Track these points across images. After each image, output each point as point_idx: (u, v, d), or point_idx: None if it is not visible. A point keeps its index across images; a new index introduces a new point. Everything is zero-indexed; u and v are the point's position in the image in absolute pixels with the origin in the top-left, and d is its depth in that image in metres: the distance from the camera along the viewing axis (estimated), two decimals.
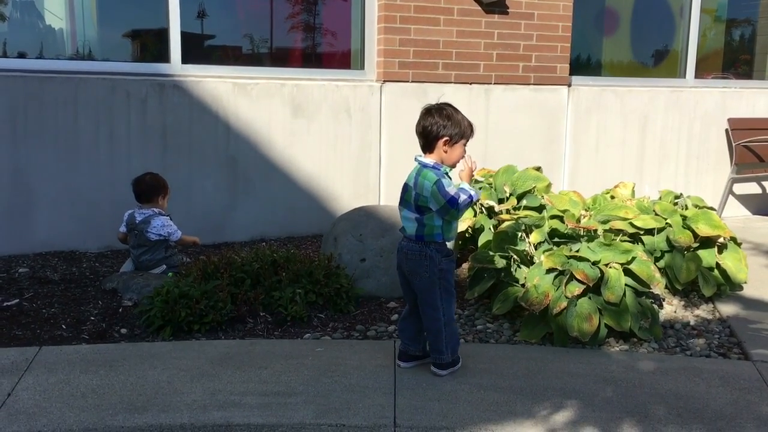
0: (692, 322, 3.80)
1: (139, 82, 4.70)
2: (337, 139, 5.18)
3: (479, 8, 5.37)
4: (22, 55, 4.65)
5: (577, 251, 3.65)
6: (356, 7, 5.37)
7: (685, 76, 6.37)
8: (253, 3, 5.32)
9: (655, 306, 3.73)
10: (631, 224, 4.11)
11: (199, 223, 4.84)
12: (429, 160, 2.93)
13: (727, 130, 6.32)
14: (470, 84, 5.45)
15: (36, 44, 4.72)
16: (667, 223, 4.20)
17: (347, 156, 5.22)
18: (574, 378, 3.05)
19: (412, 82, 5.28)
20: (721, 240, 4.19)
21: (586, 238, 3.84)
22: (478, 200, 2.87)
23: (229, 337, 3.43)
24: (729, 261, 4.19)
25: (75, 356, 3.10)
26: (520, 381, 3.00)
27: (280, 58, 5.38)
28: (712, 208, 4.51)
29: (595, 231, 3.89)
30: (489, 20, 5.42)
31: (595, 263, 3.53)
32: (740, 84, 6.59)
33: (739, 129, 6.24)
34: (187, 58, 4.90)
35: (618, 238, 3.90)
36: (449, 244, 3.10)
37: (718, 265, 4.16)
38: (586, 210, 4.29)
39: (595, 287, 3.47)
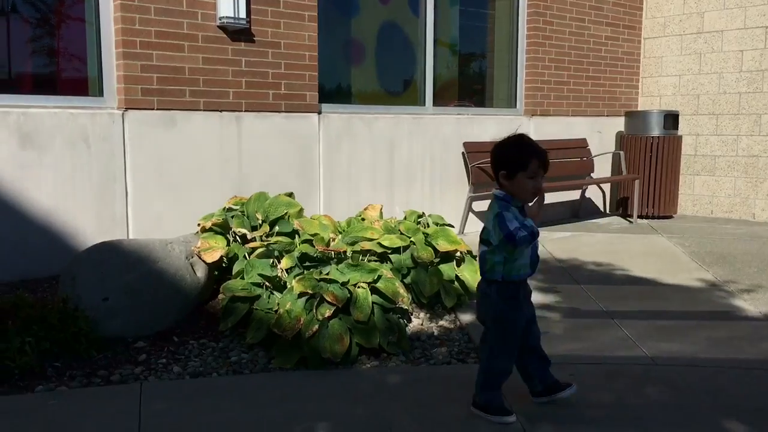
0: (436, 333, 4.05)
1: None
2: (75, 171, 4.80)
3: (225, 35, 5.33)
4: None
5: (327, 274, 3.73)
6: (92, 30, 5.05)
7: (425, 104, 6.87)
8: None
9: (402, 321, 3.93)
10: (379, 244, 4.31)
11: None
12: (501, 191, 2.77)
13: (463, 153, 6.91)
14: (220, 111, 5.38)
15: None
16: (411, 242, 4.45)
17: (88, 189, 4.85)
18: (327, 400, 3.09)
19: (158, 109, 5.08)
20: (458, 254, 4.54)
21: (336, 260, 3.95)
22: (536, 236, 2.70)
23: None
24: (467, 273, 4.55)
25: None
26: (273, 409, 2.97)
27: (5, 84, 4.87)
28: (450, 225, 4.88)
29: (345, 253, 4.02)
30: (236, 48, 5.40)
31: (344, 284, 3.64)
32: (472, 111, 7.26)
33: (473, 152, 6.85)
34: None
35: (366, 259, 4.06)
36: (516, 284, 2.82)
37: (457, 277, 4.50)
38: (337, 233, 4.41)
39: (344, 308, 3.57)
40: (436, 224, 4.81)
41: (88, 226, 4.87)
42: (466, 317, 4.29)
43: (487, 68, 7.73)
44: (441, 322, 4.24)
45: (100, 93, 5.03)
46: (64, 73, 5.15)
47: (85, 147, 4.83)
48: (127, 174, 5.00)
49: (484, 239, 2.78)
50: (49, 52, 5.08)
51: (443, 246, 4.45)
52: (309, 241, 4.02)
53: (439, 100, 7.05)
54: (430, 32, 6.80)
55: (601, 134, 8.23)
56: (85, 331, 3.52)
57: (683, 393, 3.19)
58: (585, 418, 2.93)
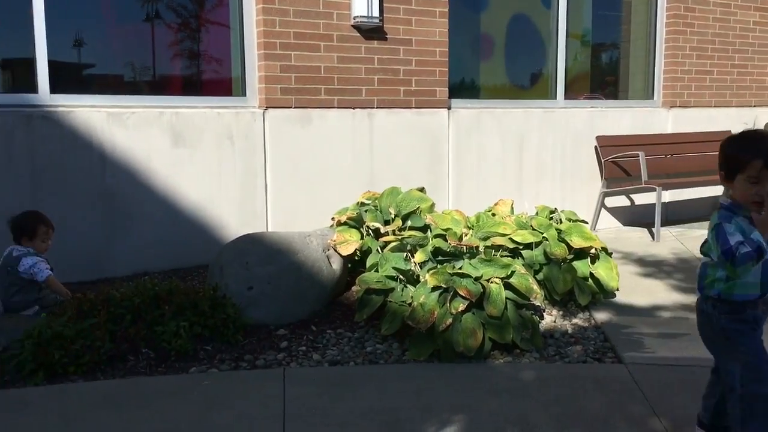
0: (570, 331, 3.98)
1: (4, 114, 4.45)
2: (221, 167, 5.10)
3: (359, 35, 5.47)
4: None
5: (460, 268, 3.76)
6: (236, 34, 5.34)
7: (556, 97, 6.73)
8: (129, 31, 5.18)
9: (536, 317, 3.89)
10: (511, 239, 4.28)
11: (76, 259, 4.61)
12: (726, 199, 2.39)
13: (596, 147, 6.71)
14: (353, 108, 5.53)
15: None
16: (543, 237, 4.39)
17: (232, 184, 5.15)
18: (461, 393, 3.12)
19: (296, 107, 5.30)
20: (593, 251, 4.43)
21: (468, 255, 3.96)
22: (766, 253, 2.25)
23: (109, 377, 3.28)
24: (601, 270, 4.43)
25: None
26: (409, 399, 3.04)
27: (158, 86, 5.25)
28: (584, 221, 4.76)
29: (477, 248, 4.03)
30: (368, 46, 5.53)
31: (477, 279, 3.65)
32: (606, 104, 7.03)
33: (606, 146, 6.64)
34: (56, 88, 4.69)
35: (498, 254, 4.05)
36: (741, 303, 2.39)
37: (591, 274, 4.39)
38: (468, 228, 4.43)
39: (478, 302, 3.58)
40: (570, 220, 4.71)
41: (233, 218, 5.16)
42: (601, 316, 4.18)
43: (622, 59, 7.45)
44: (575, 320, 4.16)
45: (243, 93, 5.31)
46: (210, 74, 5.47)
47: (229, 144, 5.12)
48: (267, 170, 5.25)
49: (704, 252, 2.44)
50: (196, 56, 5.42)
51: (577, 242, 4.35)
52: (442, 236, 4.06)
53: (571, 92, 6.89)
54: (562, 23, 6.65)
55: (747, 126, 7.72)
56: (233, 317, 3.74)
57: None
58: None
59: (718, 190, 7.56)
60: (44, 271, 3.93)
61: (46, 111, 4.58)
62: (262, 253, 4.14)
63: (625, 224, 7.03)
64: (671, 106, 7.20)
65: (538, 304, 4.18)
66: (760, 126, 7.79)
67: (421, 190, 4.98)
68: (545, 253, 4.30)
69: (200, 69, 5.45)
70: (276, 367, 3.44)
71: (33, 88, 4.65)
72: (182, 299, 3.72)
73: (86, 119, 4.67)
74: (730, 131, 7.44)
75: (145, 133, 4.84)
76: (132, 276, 4.79)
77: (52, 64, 4.68)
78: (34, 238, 3.98)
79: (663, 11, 7.15)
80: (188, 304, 3.70)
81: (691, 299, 4.48)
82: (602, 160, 6.64)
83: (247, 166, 5.19)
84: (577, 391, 3.12)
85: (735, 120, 7.58)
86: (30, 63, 4.64)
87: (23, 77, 4.71)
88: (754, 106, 7.76)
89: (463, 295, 3.53)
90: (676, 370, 3.37)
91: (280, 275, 4.05)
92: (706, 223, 7.16)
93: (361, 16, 5.35)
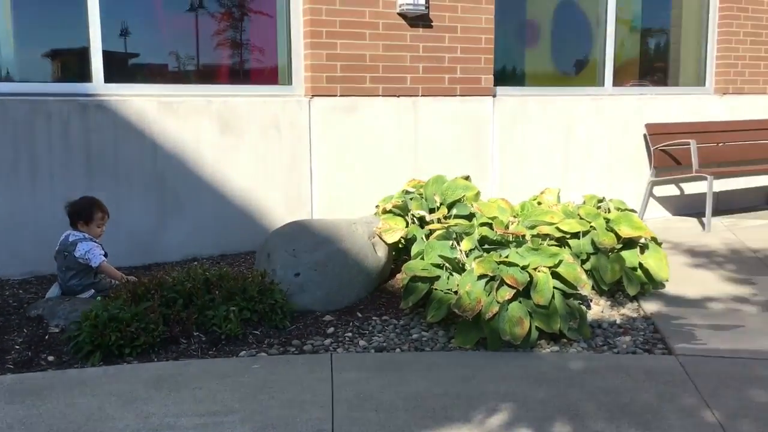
0: (618, 321, 3.94)
1: (61, 102, 4.57)
2: (267, 154, 5.16)
3: (404, 22, 5.46)
4: None
5: (507, 257, 3.74)
6: (282, 22, 5.38)
7: (603, 84, 6.62)
8: (178, 20, 5.26)
9: (583, 307, 3.85)
10: (558, 228, 4.24)
11: (128, 244, 4.73)
12: None
13: (645, 135, 6.58)
14: (398, 96, 5.53)
15: None
16: (591, 227, 4.34)
17: (278, 171, 5.20)
18: (508, 381, 3.12)
19: (341, 96, 5.32)
20: (642, 241, 4.36)
21: (514, 243, 3.94)
22: None
23: (162, 359, 3.37)
24: (651, 260, 4.36)
25: None
26: (456, 387, 3.05)
27: (206, 75, 5.33)
28: (633, 211, 4.69)
29: (523, 236, 4.00)
30: (414, 34, 5.51)
31: (524, 268, 3.63)
32: (655, 91, 6.89)
33: (656, 134, 6.51)
34: (110, 77, 4.81)
35: (545, 243, 4.02)
36: None
37: (641, 264, 4.33)
38: (514, 216, 4.40)
39: (524, 291, 3.56)
40: (618, 209, 4.64)
41: (279, 205, 5.23)
42: (651, 306, 4.13)
43: (672, 44, 7.28)
44: (623, 311, 4.11)
45: (290, 81, 5.36)
46: (257, 63, 5.53)
47: (275, 132, 5.17)
48: (312, 157, 5.29)
49: None
50: (243, 45, 5.48)
51: (626, 232, 4.29)
52: (488, 224, 4.04)
53: (619, 79, 6.77)
54: (611, 8, 6.54)
55: None
56: (280, 303, 3.80)
57: None
58: None
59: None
60: (98, 257, 4.03)
61: (100, 100, 4.69)
62: (309, 240, 4.18)
63: (674, 214, 6.90)
64: (724, 93, 7.02)
65: (585, 293, 4.15)
66: None
67: (466, 178, 4.96)
68: (593, 243, 4.25)
69: (247, 58, 5.51)
70: (323, 353, 3.49)
71: (88, 77, 4.77)
72: (231, 285, 3.79)
73: (138, 108, 4.77)
74: None
75: (194, 121, 4.92)
76: (182, 261, 4.89)
77: (106, 54, 4.79)
78: (90, 223, 4.09)
79: None
80: (237, 290, 3.77)
81: (746, 290, 4.39)
82: (651, 149, 6.52)
83: (294, 154, 5.24)
84: (626, 381, 3.09)
85: None
86: (85, 53, 4.76)
87: (78, 67, 4.83)
88: None
89: (510, 283, 3.51)
90: (730, 362, 3.31)
91: (326, 262, 4.09)
92: (758, 213, 7.00)
93: (407, 4, 5.34)
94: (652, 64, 7.29)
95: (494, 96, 5.96)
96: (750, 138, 6.94)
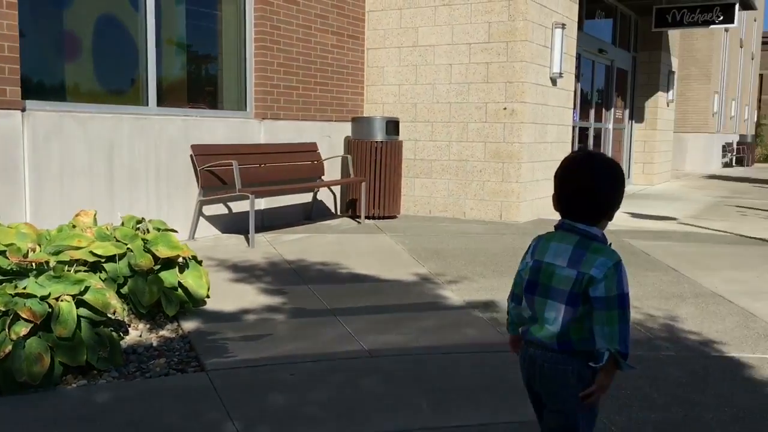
0: (155, 344, 3.85)
1: None
2: None
3: None
4: None
5: (25, 288, 3.35)
6: None
7: (148, 104, 6.53)
8: None
9: (116, 334, 3.67)
10: (92, 253, 3.98)
11: None
12: (597, 230, 2.03)
13: (191, 156, 6.70)
14: None
15: None
16: (128, 249, 4.19)
17: None
18: (21, 428, 2.76)
19: None
20: (181, 260, 4.37)
21: (36, 272, 3.56)
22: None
23: None
24: (190, 279, 4.39)
25: None
26: None
27: None
28: (173, 230, 4.67)
29: (47, 263, 3.64)
30: None
31: (43, 298, 3.29)
32: (201, 113, 7.07)
33: (201, 155, 6.67)
34: None
35: (73, 269, 3.73)
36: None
37: (180, 284, 4.32)
38: (39, 242, 3.99)
39: (45, 324, 3.23)
40: (158, 229, 4.58)
41: None
42: (190, 325, 4.15)
43: (217, 70, 7.58)
44: (162, 332, 4.04)
45: None
46: None
47: None
48: None
49: (575, 292, 2.04)
50: None
51: (164, 252, 4.25)
52: (2, 252, 3.58)
53: (166, 100, 6.76)
54: (151, 29, 6.49)
55: (330, 138, 8.53)
56: None
57: (394, 381, 3.39)
58: (303, 414, 2.98)
59: (306, 197, 8.20)
60: None
61: None
62: None
63: (224, 232, 7.16)
64: (263, 118, 7.56)
65: (121, 319, 3.97)
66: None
67: None
68: (130, 265, 4.10)
69: None
70: None
71: None
72: None
73: None
74: (315, 143, 8.14)
75: None
76: None
77: None
78: None
79: (251, 27, 7.47)
80: None
81: (276, 300, 4.72)
82: (198, 169, 6.66)
83: None
84: (154, 406, 3.01)
85: (319, 132, 8.31)
86: None
87: None
88: (335, 120, 8.61)
89: (26, 317, 3.14)
90: (256, 371, 3.48)
91: None
92: (297, 228, 7.66)
93: None
94: (199, 87, 7.48)
95: (24, 110, 5.38)
96: (287, 160, 7.62)
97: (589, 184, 2.00)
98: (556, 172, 2.07)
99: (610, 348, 1.92)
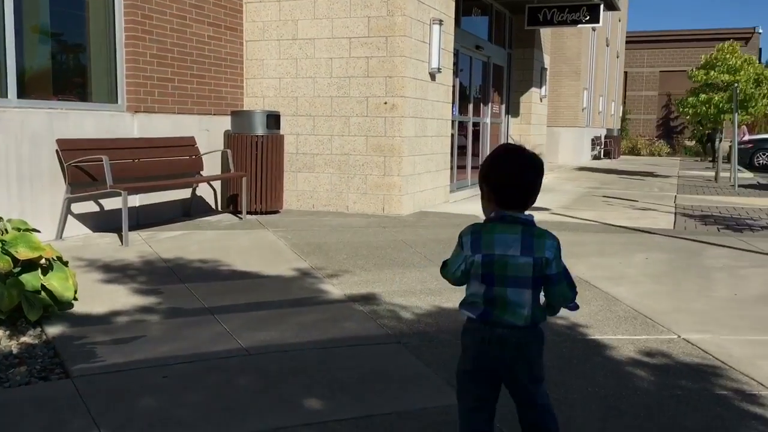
0: (15, 351, 3.61)
1: None
2: None
3: None
4: None
5: None
6: None
7: (7, 96, 6.11)
8: None
9: None
10: None
11: None
12: (530, 216, 2.26)
13: (57, 151, 6.33)
14: None
15: None
16: None
17: None
18: None
19: None
20: (44, 261, 4.13)
21: None
22: None
23: None
24: (55, 281, 4.16)
25: None
26: None
27: None
28: (35, 230, 4.40)
29: None
30: None
31: None
32: (68, 105, 6.69)
33: (68, 149, 6.32)
34: None
35: None
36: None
37: (44, 287, 4.08)
38: None
39: None
40: (18, 229, 4.30)
41: None
42: (55, 330, 3.93)
43: (86, 60, 7.19)
44: (23, 339, 3.80)
45: None
46: None
47: None
48: None
49: (537, 276, 2.31)
50: None
51: (24, 253, 3.99)
52: None
53: (29, 92, 6.35)
54: (9, 14, 6.07)
55: (209, 132, 8.31)
56: None
57: (272, 378, 3.36)
58: (175, 418, 2.89)
59: (185, 193, 7.96)
60: None
61: None
62: None
63: (95, 230, 6.83)
64: (136, 111, 7.26)
65: None
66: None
67: None
68: None
69: None
70: None
71: None
72: None
73: None
74: (193, 137, 7.91)
75: None
76: None
77: None
78: None
79: (121, 16, 7.14)
80: None
81: (151, 301, 4.55)
82: (65, 165, 6.30)
83: None
84: (12, 418, 2.82)
85: (197, 126, 8.08)
86: None
87: None
88: (214, 114, 8.39)
89: None
90: (126, 375, 3.34)
91: None
92: (175, 225, 7.46)
93: None
94: (67, 78, 7.08)
95: None
96: (162, 155, 7.36)
97: (521, 176, 2.21)
98: (485, 169, 2.25)
99: (568, 305, 2.30)
